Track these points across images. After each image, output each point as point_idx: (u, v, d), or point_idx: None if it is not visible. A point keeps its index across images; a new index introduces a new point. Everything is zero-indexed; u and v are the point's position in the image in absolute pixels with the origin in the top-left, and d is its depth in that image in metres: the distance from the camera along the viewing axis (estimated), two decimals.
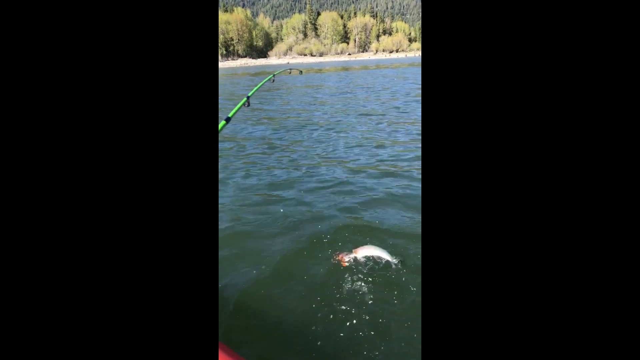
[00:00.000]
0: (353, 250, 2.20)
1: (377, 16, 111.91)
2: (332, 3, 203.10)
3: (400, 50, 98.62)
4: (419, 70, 24.80)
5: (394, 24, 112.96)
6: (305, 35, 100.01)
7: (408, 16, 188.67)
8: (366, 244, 2.30)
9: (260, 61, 76.03)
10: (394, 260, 2.17)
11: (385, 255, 2.20)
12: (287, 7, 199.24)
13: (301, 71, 6.05)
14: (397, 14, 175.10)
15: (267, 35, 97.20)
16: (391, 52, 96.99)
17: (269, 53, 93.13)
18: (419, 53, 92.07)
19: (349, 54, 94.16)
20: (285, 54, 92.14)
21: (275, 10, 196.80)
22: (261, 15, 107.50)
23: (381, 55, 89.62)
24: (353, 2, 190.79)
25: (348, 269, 2.03)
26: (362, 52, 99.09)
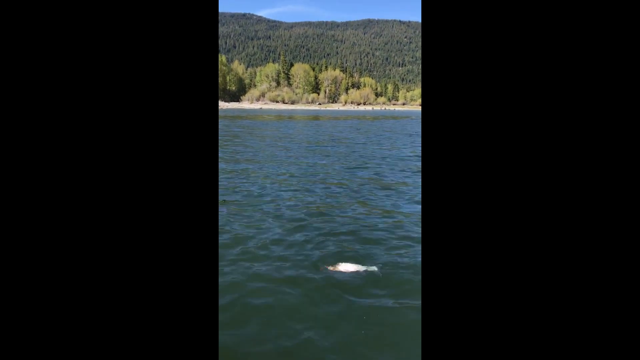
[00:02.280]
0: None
1: (346, 71, 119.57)
2: (304, 56, 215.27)
3: (367, 103, 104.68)
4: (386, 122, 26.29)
5: (362, 79, 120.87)
6: (278, 83, 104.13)
7: (375, 72, 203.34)
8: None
9: (233, 104, 77.52)
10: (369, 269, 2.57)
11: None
12: (261, 57, 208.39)
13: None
14: (364, 70, 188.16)
15: (240, 80, 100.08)
16: (359, 104, 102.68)
17: (241, 98, 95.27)
18: (385, 107, 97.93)
19: (320, 104, 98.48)
20: (258, 99, 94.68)
21: (250, 59, 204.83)
22: (236, 62, 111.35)
23: (349, 107, 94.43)
24: (324, 56, 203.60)
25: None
26: (332, 102, 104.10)
